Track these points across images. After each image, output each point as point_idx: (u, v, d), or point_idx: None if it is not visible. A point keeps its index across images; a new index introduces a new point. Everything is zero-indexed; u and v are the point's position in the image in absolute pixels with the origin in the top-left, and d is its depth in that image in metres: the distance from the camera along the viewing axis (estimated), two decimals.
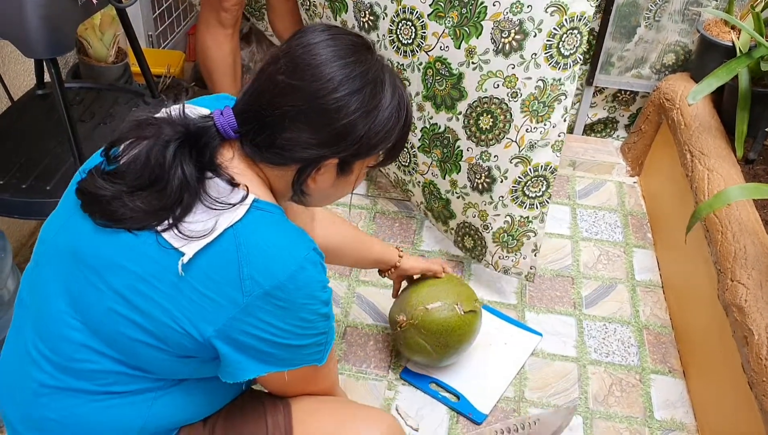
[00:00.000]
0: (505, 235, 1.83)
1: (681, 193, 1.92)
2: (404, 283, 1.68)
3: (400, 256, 1.60)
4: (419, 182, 1.99)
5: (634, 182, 2.36)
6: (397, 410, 1.60)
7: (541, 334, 1.79)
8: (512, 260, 1.87)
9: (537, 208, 1.79)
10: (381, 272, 1.64)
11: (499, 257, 1.88)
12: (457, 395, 1.62)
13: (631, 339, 1.81)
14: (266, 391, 1.09)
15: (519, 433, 1.53)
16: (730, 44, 2.01)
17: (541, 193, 1.77)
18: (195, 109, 0.99)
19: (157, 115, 0.96)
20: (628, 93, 2.43)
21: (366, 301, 1.84)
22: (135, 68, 2.08)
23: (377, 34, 1.76)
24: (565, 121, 1.68)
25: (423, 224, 2.12)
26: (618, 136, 2.52)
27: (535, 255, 1.84)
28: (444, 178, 1.88)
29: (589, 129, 2.53)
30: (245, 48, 2.47)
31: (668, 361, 1.76)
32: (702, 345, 1.69)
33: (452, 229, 1.98)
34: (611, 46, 2.29)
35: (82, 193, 0.94)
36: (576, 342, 1.79)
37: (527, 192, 1.77)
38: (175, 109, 0.97)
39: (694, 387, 1.68)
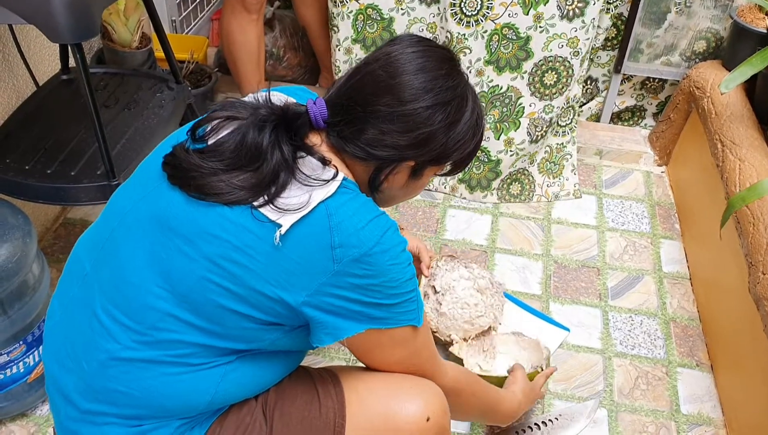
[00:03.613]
0: (547, 163, 2.17)
1: (711, 183, 1.88)
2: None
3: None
4: None
5: (662, 172, 2.32)
6: None
7: (568, 329, 1.76)
8: (558, 185, 2.18)
9: (568, 133, 2.19)
10: None
11: (548, 186, 2.18)
12: None
13: (658, 331, 1.78)
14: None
15: (541, 430, 1.51)
16: (764, 31, 1.96)
17: (569, 120, 2.17)
18: (281, 96, 1.04)
19: (246, 99, 1.02)
20: (656, 81, 2.39)
21: None
22: (159, 53, 2.08)
23: (438, 8, 1.96)
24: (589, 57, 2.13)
25: (446, 213, 2.10)
26: (646, 124, 2.48)
27: (574, 174, 2.19)
28: (498, 139, 2.09)
29: (617, 117, 2.49)
30: (268, 33, 2.46)
31: (696, 354, 1.73)
32: (731, 339, 1.65)
33: (495, 188, 2.15)
34: (640, 32, 2.25)
35: (171, 166, 0.96)
36: (601, 334, 1.77)
37: (560, 122, 2.15)
38: (262, 95, 1.01)
39: (722, 381, 1.65)
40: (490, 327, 1.62)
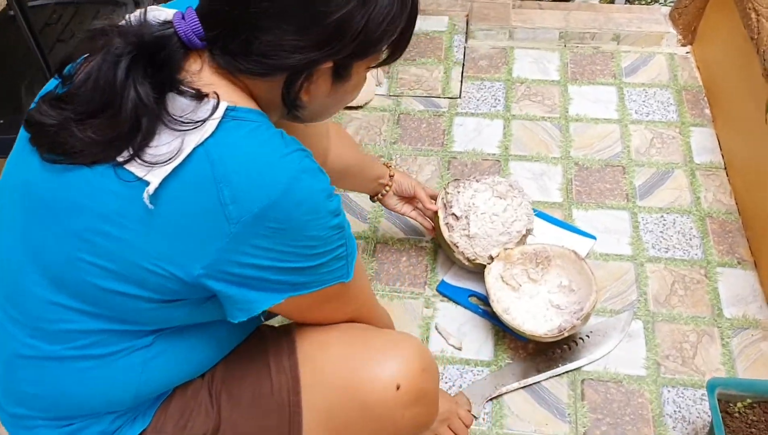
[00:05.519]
0: None
1: (744, 59, 1.69)
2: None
3: (391, 175, 1.43)
4: None
5: (687, 52, 2.11)
6: (437, 329, 1.47)
7: (594, 237, 1.62)
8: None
9: None
10: (372, 198, 1.47)
11: None
12: None
13: (693, 230, 1.63)
14: (275, 324, 0.97)
15: (572, 349, 1.40)
16: None
17: None
18: (162, 13, 0.82)
19: (118, 24, 0.80)
20: None
21: (396, 214, 1.67)
22: None
23: None
24: None
25: (453, 122, 1.93)
26: (666, 1, 2.25)
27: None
28: None
29: None
30: None
31: (736, 251, 1.59)
32: None
33: None
34: None
35: (29, 124, 0.79)
36: (631, 238, 1.62)
37: None
38: (136, 15, 0.80)
39: None
40: (527, 231, 1.49)
